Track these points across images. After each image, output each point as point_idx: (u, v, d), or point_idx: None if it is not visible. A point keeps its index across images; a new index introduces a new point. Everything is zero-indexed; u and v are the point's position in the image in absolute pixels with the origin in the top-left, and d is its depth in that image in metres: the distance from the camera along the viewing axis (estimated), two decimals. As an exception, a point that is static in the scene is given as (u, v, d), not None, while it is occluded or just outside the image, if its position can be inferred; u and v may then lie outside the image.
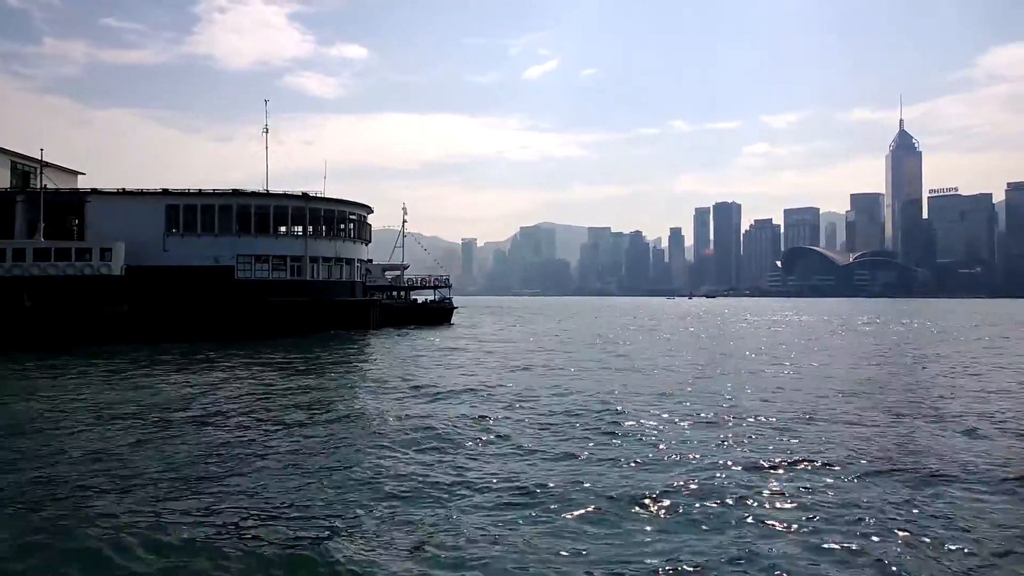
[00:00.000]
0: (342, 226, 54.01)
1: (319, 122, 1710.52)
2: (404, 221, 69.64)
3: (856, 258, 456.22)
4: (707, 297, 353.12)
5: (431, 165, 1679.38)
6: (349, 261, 53.73)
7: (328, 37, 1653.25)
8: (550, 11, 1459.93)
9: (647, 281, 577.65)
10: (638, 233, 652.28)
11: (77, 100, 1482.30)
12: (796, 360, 33.54)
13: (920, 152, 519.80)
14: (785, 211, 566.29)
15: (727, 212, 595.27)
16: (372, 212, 58.49)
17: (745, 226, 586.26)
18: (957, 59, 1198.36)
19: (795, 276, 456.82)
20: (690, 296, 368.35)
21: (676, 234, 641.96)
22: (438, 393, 21.16)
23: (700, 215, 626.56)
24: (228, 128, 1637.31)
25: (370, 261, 67.76)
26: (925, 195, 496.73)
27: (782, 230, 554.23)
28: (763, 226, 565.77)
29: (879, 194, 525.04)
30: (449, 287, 70.53)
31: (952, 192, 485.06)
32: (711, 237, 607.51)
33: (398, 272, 69.03)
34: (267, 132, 54.98)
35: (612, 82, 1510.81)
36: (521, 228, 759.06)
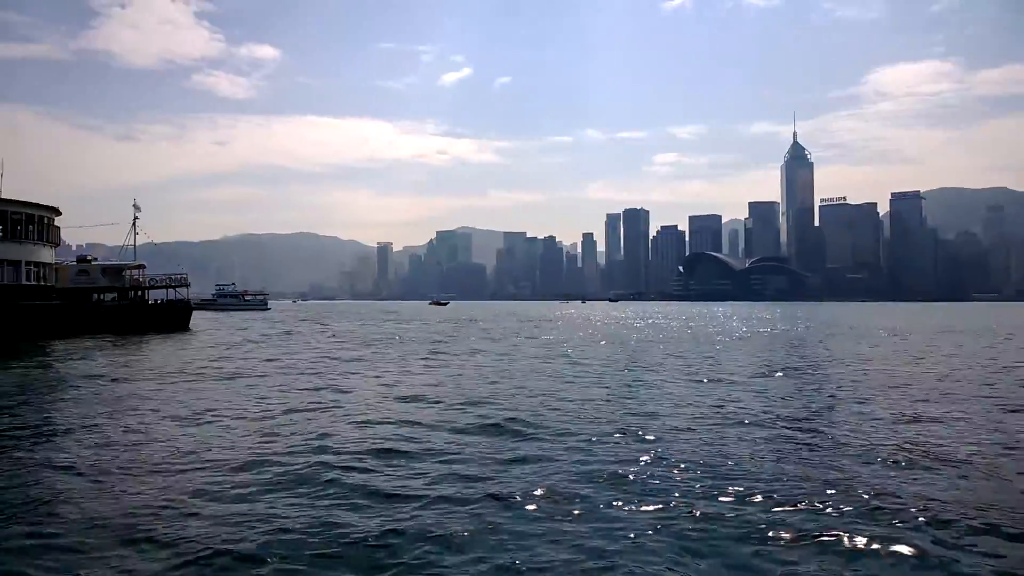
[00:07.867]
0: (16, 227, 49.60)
1: (230, 123, 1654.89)
2: (136, 218, 65.70)
3: (752, 263, 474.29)
4: (611, 301, 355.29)
5: (347, 169, 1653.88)
6: (14, 263, 49.38)
7: (238, 37, 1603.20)
8: (459, 20, 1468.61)
9: (561, 285, 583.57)
10: (552, 238, 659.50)
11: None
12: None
13: (812, 163, 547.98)
14: (690, 218, 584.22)
15: (636, 218, 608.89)
16: (60, 214, 54.28)
17: (653, 232, 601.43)
18: (847, 77, 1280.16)
19: (696, 281, 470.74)
20: (583, 300, 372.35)
21: (589, 239, 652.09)
22: None
23: (611, 220, 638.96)
24: (131, 127, 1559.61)
25: (92, 260, 64.07)
26: (816, 204, 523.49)
27: (687, 236, 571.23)
28: (669, 232, 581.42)
29: (775, 203, 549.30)
30: (187, 286, 67.12)
31: (841, 201, 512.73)
32: (622, 243, 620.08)
33: (130, 272, 64.78)
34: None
35: (526, 91, 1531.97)
36: (438, 233, 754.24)
